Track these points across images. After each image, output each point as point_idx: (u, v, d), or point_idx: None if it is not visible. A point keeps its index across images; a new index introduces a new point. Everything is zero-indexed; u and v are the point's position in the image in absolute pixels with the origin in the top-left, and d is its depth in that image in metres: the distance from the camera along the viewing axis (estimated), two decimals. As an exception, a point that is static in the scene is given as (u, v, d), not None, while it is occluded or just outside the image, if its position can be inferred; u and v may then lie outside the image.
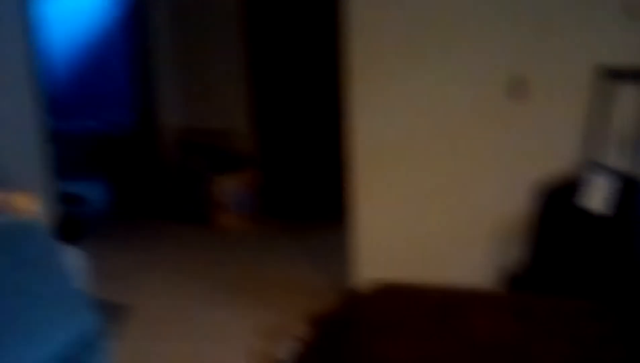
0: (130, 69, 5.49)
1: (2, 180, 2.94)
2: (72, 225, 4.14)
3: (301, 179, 5.19)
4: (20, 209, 2.15)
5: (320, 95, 4.89)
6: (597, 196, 2.04)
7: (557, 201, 2.21)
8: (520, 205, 2.53)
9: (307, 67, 4.91)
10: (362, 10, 2.78)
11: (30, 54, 3.52)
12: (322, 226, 4.81)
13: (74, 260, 2.32)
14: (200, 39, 5.19)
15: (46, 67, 5.42)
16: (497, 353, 1.51)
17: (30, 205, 2.20)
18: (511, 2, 2.54)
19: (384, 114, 2.87)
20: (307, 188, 5.18)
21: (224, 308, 3.38)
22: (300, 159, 5.19)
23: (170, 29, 5.30)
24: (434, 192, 2.84)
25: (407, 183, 2.88)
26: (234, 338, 2.97)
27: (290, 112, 5.09)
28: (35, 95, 3.56)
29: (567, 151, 2.42)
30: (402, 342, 1.60)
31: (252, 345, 2.87)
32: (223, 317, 3.26)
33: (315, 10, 4.73)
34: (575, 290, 1.94)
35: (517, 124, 2.58)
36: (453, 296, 1.88)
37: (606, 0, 2.34)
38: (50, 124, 3.91)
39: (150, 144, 5.49)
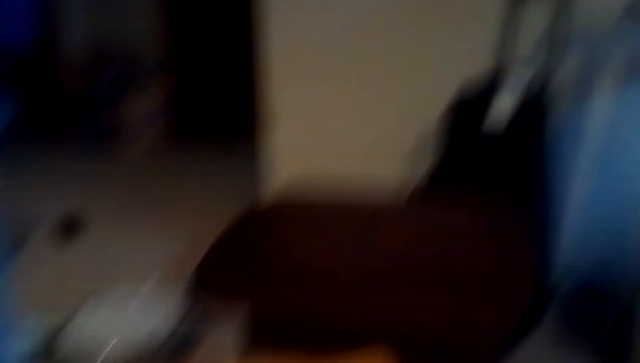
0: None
1: None
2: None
3: (218, 85, 4.83)
4: None
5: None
6: (500, 114, 2.13)
7: (462, 116, 2.28)
8: (431, 120, 2.51)
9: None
10: None
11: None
12: (242, 137, 4.24)
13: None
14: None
15: None
16: (412, 261, 1.56)
17: None
18: None
19: (303, 14, 2.73)
20: (225, 96, 4.83)
21: (129, 238, 3.06)
22: (217, 63, 4.80)
23: None
24: (351, 103, 2.80)
25: (323, 93, 2.80)
26: (142, 269, 2.64)
27: (205, 11, 4.73)
28: None
29: (478, 67, 2.41)
30: (314, 249, 1.62)
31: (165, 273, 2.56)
32: (128, 248, 2.95)
33: None
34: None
35: (435, 37, 2.60)
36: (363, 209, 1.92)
37: None
38: None
39: (50, 64, 4.89)
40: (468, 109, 2.31)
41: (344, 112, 2.83)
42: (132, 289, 2.22)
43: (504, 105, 2.15)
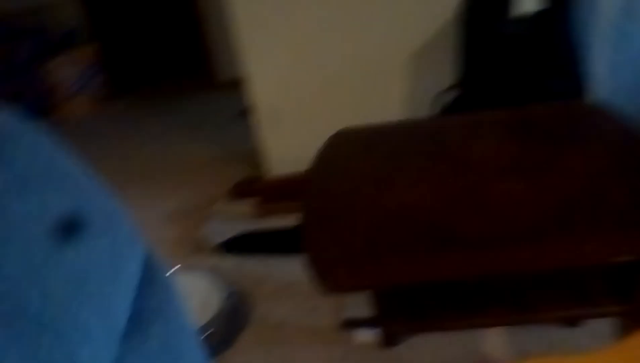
0: None
1: None
2: None
3: (146, 42, 4.51)
4: None
5: None
6: None
7: (480, 12, 2.05)
8: (436, 25, 2.31)
9: None
10: None
11: None
12: (186, 89, 4.12)
13: None
14: None
15: None
16: (504, 171, 1.30)
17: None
18: None
19: None
20: (155, 51, 4.51)
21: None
22: (141, 17, 4.50)
23: None
24: (335, 27, 2.45)
25: (303, 20, 2.44)
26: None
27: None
28: None
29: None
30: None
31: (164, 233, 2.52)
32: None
33: None
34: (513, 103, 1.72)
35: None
36: (414, 128, 1.67)
37: None
38: None
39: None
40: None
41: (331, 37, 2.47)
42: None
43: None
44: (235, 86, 3.56)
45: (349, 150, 1.53)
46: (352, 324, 1.84)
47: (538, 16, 1.91)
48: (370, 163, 1.42)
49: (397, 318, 1.24)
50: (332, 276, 1.01)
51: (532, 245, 1.04)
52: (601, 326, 1.56)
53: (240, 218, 2.53)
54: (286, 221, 2.29)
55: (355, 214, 1.21)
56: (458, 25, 2.11)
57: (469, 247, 1.05)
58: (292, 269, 2.15)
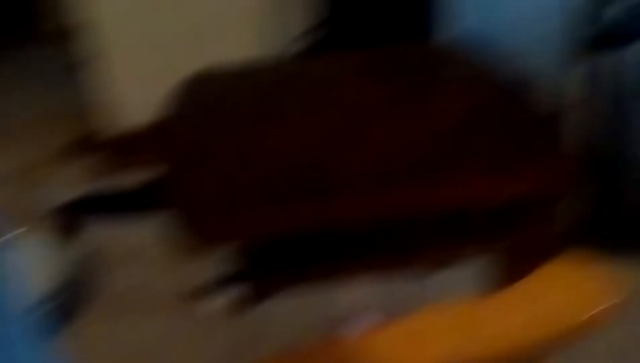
0: None
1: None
2: None
3: None
4: None
5: None
6: None
7: None
8: None
9: None
10: None
11: None
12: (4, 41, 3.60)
13: None
14: None
15: None
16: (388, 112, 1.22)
17: None
18: None
19: None
20: None
21: None
22: None
23: None
24: None
25: None
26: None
27: None
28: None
29: None
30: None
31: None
32: None
33: None
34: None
35: None
36: (278, 68, 1.56)
37: None
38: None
39: None
40: None
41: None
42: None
43: None
44: (63, 36, 3.18)
45: (209, 92, 1.37)
46: (209, 288, 1.74)
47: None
48: (235, 106, 1.28)
49: (268, 271, 1.14)
50: (205, 227, 0.89)
51: (413, 186, 1.00)
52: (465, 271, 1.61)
53: (79, 178, 2.28)
54: (136, 177, 2.07)
55: (224, 161, 1.08)
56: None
57: (349, 191, 0.98)
58: (145, 231, 2.00)
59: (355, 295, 1.61)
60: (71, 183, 2.25)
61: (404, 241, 1.16)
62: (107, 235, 1.97)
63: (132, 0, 2.25)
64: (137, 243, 1.95)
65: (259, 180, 1.01)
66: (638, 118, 1.62)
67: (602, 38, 1.57)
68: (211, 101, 1.32)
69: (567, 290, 0.73)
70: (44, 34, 3.61)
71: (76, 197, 2.11)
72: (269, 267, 1.14)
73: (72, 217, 2.04)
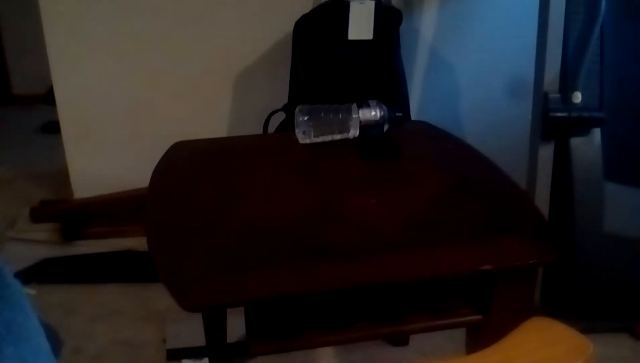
0: None
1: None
2: None
3: None
4: None
5: None
6: (361, 23, 1.92)
7: (307, 31, 2.03)
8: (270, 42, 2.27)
9: None
10: None
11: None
12: None
13: None
14: None
15: None
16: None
17: None
18: None
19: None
20: None
21: None
22: None
23: None
24: (152, 38, 2.25)
25: (117, 28, 2.24)
26: None
27: None
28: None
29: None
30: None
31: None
32: None
33: None
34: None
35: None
36: (256, 143, 1.59)
37: None
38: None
39: None
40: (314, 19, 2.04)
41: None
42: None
43: (365, 12, 1.93)
44: (35, 100, 3.31)
45: (190, 164, 1.40)
46: (179, 354, 1.70)
47: (371, 43, 1.96)
48: (217, 177, 1.31)
49: (258, 337, 1.14)
50: (193, 294, 0.89)
51: (393, 256, 1.03)
52: (427, 344, 1.62)
53: (40, 243, 2.23)
54: (96, 245, 2.08)
55: (211, 228, 1.10)
56: (293, 44, 2.08)
57: (338, 258, 1.00)
58: (107, 298, 1.95)
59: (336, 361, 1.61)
60: (34, 246, 2.20)
61: (386, 308, 1.19)
62: (70, 302, 1.92)
63: (101, 72, 2.28)
64: (101, 310, 1.91)
65: (246, 246, 1.03)
66: (589, 195, 1.72)
67: (569, 121, 1.69)
68: (192, 173, 1.34)
69: (544, 349, 0.77)
70: (16, 97, 3.65)
71: (34, 263, 2.07)
72: (249, 333, 1.13)
73: (31, 283, 1.98)
